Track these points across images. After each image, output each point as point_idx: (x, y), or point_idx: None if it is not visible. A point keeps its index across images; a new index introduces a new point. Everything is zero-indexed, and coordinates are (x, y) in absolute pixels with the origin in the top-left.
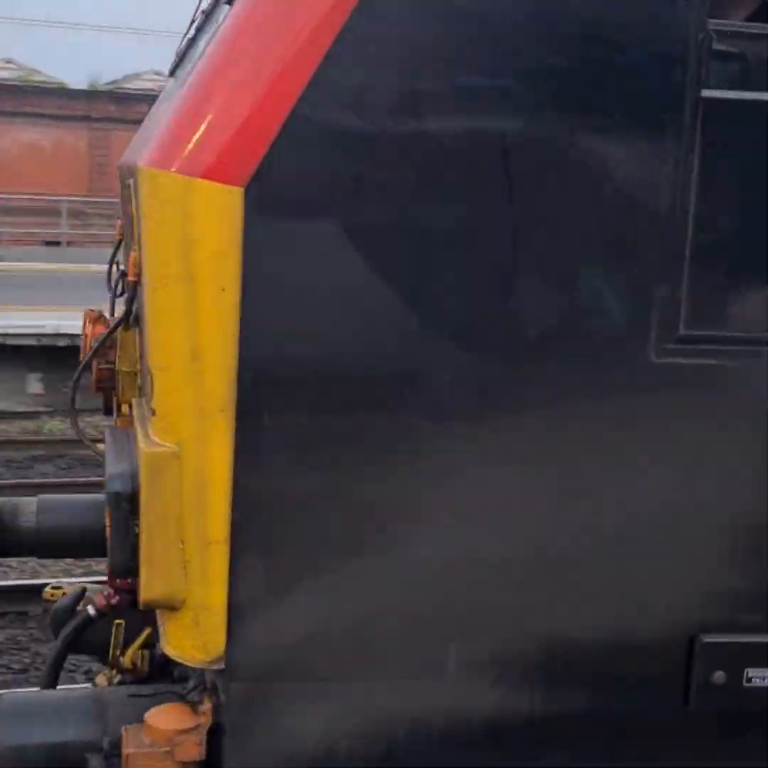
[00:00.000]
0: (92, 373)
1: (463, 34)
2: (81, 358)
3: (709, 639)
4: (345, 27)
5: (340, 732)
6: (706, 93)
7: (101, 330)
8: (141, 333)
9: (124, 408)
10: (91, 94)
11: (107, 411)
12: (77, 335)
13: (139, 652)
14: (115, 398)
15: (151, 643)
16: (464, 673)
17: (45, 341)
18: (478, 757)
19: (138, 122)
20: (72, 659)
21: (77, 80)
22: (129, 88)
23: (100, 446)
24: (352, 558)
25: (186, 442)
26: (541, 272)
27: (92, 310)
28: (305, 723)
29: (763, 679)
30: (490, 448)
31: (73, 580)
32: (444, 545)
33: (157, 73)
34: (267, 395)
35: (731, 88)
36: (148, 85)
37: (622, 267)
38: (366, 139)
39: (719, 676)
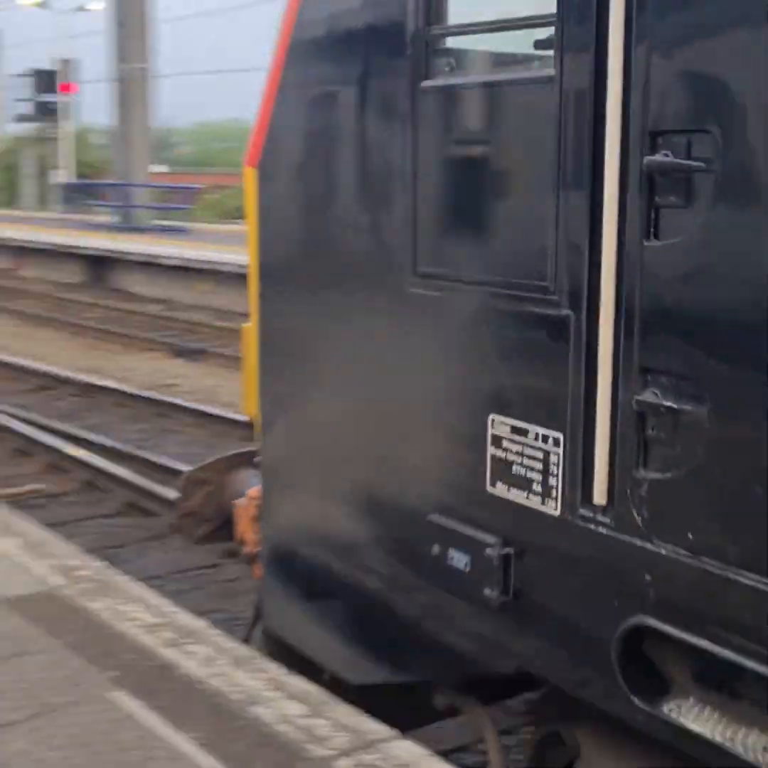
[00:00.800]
0: None
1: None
2: None
3: (433, 519)
4: (287, 58)
5: (299, 524)
6: (426, 83)
7: None
8: None
9: None
10: None
11: None
12: None
13: None
14: None
15: None
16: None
17: None
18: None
19: None
20: None
21: None
22: None
23: None
24: (303, 397)
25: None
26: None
27: None
28: (287, 515)
29: (455, 560)
30: (330, 347)
31: None
32: (333, 401)
33: None
34: (269, 280)
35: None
36: None
37: (385, 218)
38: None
39: (436, 549)
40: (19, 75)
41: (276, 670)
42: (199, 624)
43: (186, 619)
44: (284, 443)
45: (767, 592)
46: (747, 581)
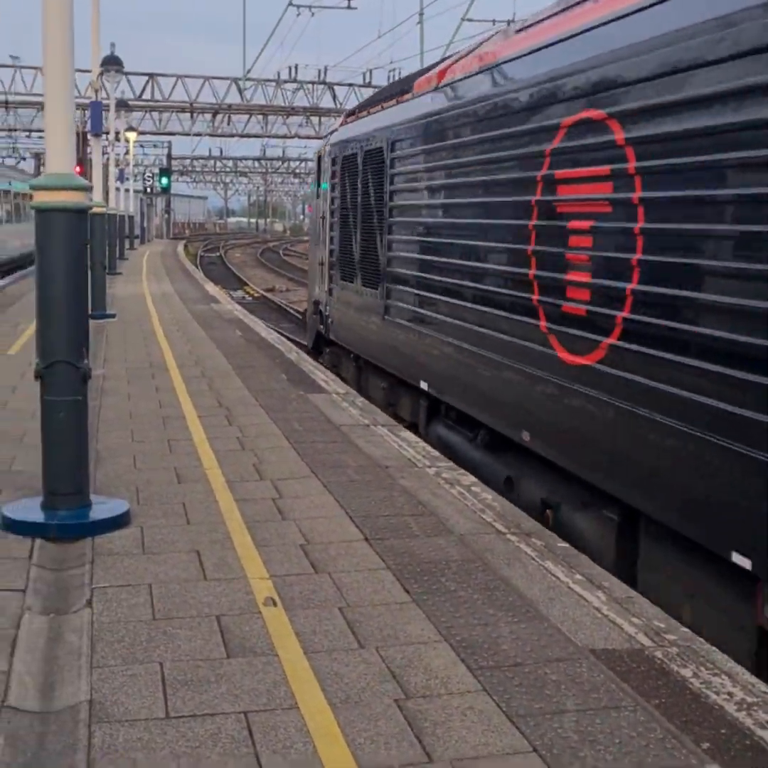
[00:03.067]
0: None
1: None
2: None
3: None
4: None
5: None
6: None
7: None
8: None
9: None
10: None
11: None
12: None
13: None
14: None
15: None
16: None
17: None
18: None
19: None
20: None
21: None
22: None
23: None
24: (311, 269)
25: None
26: None
27: None
28: (309, 298)
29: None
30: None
31: None
32: (314, 267)
33: None
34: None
35: None
36: None
37: (315, 232)
38: None
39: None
40: None
41: None
42: None
43: None
44: (310, 280)
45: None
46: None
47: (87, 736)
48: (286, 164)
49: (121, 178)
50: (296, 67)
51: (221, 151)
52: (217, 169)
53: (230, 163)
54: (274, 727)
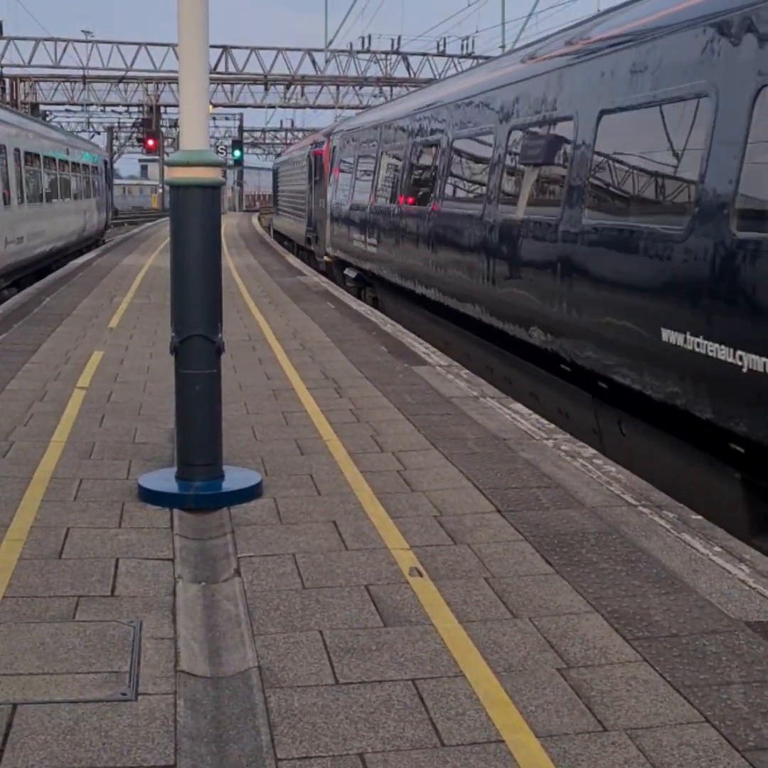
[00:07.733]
0: None
1: None
2: None
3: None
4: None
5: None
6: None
7: None
8: None
9: None
10: None
11: None
12: None
13: None
14: None
15: None
16: None
17: None
18: None
19: None
20: None
21: None
22: None
23: None
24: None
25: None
26: None
27: None
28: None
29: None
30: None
31: None
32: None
33: None
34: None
35: None
36: None
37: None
38: None
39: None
40: None
41: None
42: None
43: None
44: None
45: None
46: None
47: (263, 701)
48: None
49: None
50: (369, 38)
51: (292, 123)
52: (288, 141)
53: (301, 135)
54: (443, 695)
